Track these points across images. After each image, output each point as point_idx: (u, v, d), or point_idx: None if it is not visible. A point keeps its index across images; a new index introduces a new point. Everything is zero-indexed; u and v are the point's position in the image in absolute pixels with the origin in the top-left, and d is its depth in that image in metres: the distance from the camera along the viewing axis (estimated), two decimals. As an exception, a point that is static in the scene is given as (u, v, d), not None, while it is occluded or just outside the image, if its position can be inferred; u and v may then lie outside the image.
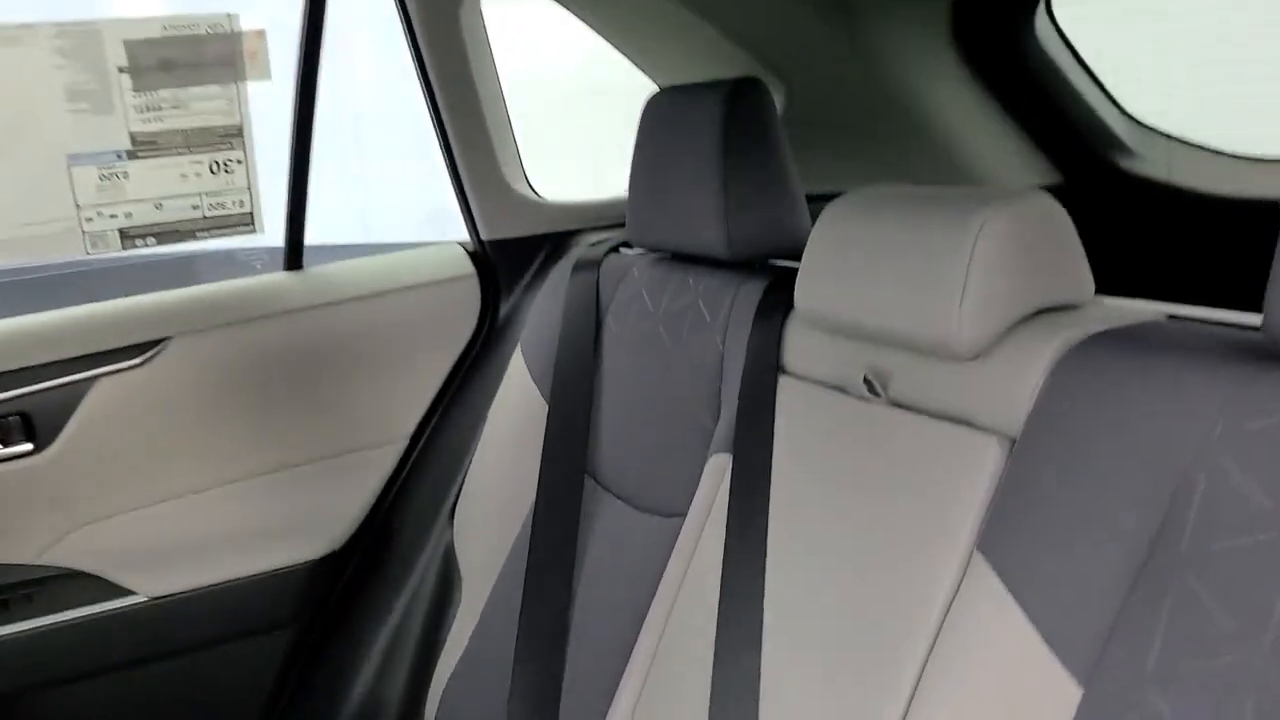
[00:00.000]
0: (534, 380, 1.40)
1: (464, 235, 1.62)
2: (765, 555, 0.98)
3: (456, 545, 1.46)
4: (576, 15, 1.62)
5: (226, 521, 1.45)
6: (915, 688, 0.81)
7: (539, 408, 1.36)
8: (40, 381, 1.33)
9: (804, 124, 1.60)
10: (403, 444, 1.56)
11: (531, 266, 1.60)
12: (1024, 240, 0.85)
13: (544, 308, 1.44)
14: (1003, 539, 0.79)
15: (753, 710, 0.92)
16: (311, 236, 1.54)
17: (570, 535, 1.26)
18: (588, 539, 1.26)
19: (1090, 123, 1.63)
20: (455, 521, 1.47)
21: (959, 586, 0.81)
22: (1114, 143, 1.63)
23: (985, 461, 0.82)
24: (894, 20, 1.53)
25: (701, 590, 1.03)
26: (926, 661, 0.81)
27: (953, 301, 0.85)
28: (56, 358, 1.35)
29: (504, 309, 1.60)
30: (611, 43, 1.67)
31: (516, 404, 1.43)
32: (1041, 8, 1.58)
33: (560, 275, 1.44)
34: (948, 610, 0.81)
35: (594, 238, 1.55)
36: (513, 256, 1.60)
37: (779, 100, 1.63)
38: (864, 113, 1.60)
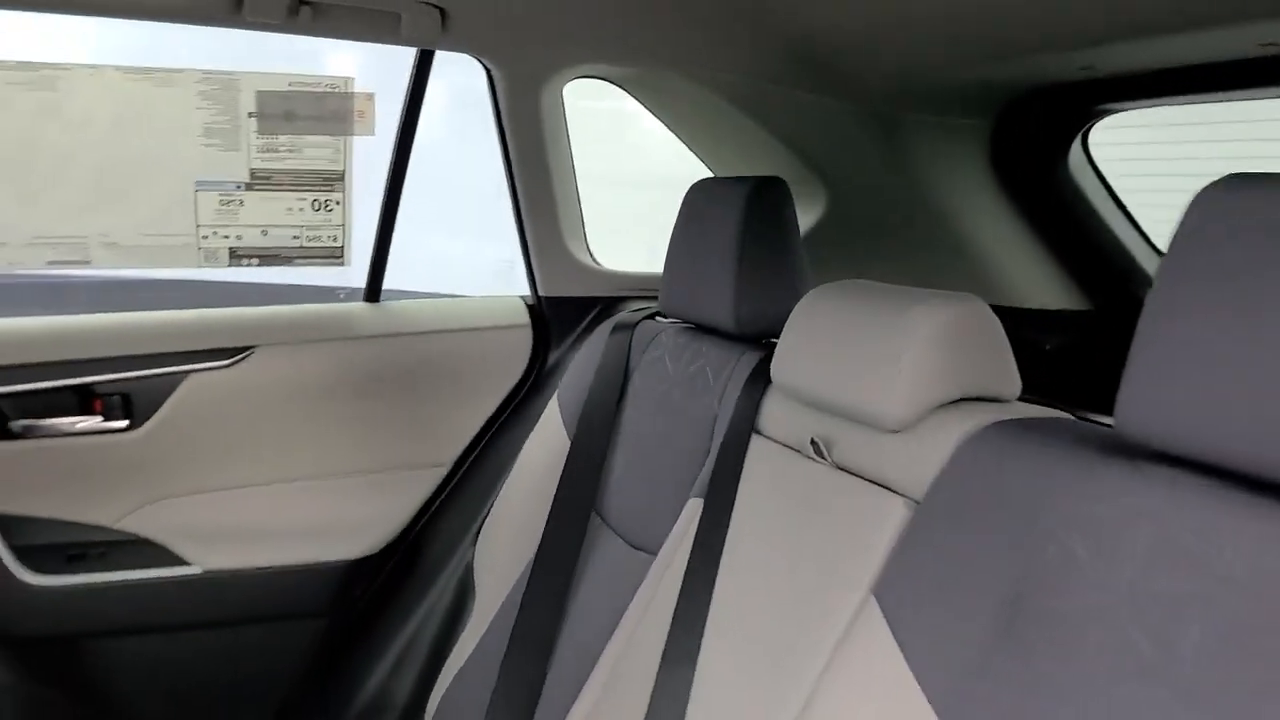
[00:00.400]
0: (564, 424, 1.56)
1: (525, 290, 1.81)
2: (713, 587, 1.10)
3: (475, 565, 1.61)
4: (654, 114, 1.81)
5: (280, 514, 1.64)
6: (803, 709, 0.92)
7: (564, 449, 1.51)
8: (142, 369, 1.55)
9: (843, 224, 1.74)
10: (445, 468, 1.73)
11: (581, 323, 1.77)
12: (952, 337, 0.98)
13: (582, 361, 1.61)
14: (895, 587, 0.91)
15: (680, 716, 1.04)
16: (391, 281, 1.75)
17: (569, 564, 1.40)
18: (584, 568, 1.40)
19: (1116, 253, 1.73)
20: (478, 543, 1.63)
21: (851, 625, 0.93)
22: (1138, 273, 1.73)
23: (893, 519, 0.94)
24: (934, 140, 1.67)
25: (660, 615, 1.16)
26: (816, 688, 0.93)
27: (888, 382, 0.98)
28: (158, 351, 1.56)
29: (552, 358, 1.77)
30: (681, 139, 1.86)
31: (545, 444, 1.59)
32: (1077, 141, 1.71)
33: (601, 334, 1.61)
34: (839, 644, 0.93)
35: (637, 305, 1.71)
36: (566, 313, 1.78)
37: (822, 200, 1.78)
38: (900, 221, 1.74)
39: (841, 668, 0.92)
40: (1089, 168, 1.73)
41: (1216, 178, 0.75)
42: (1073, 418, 0.97)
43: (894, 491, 0.97)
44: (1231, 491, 0.72)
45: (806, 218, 1.80)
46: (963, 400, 1.00)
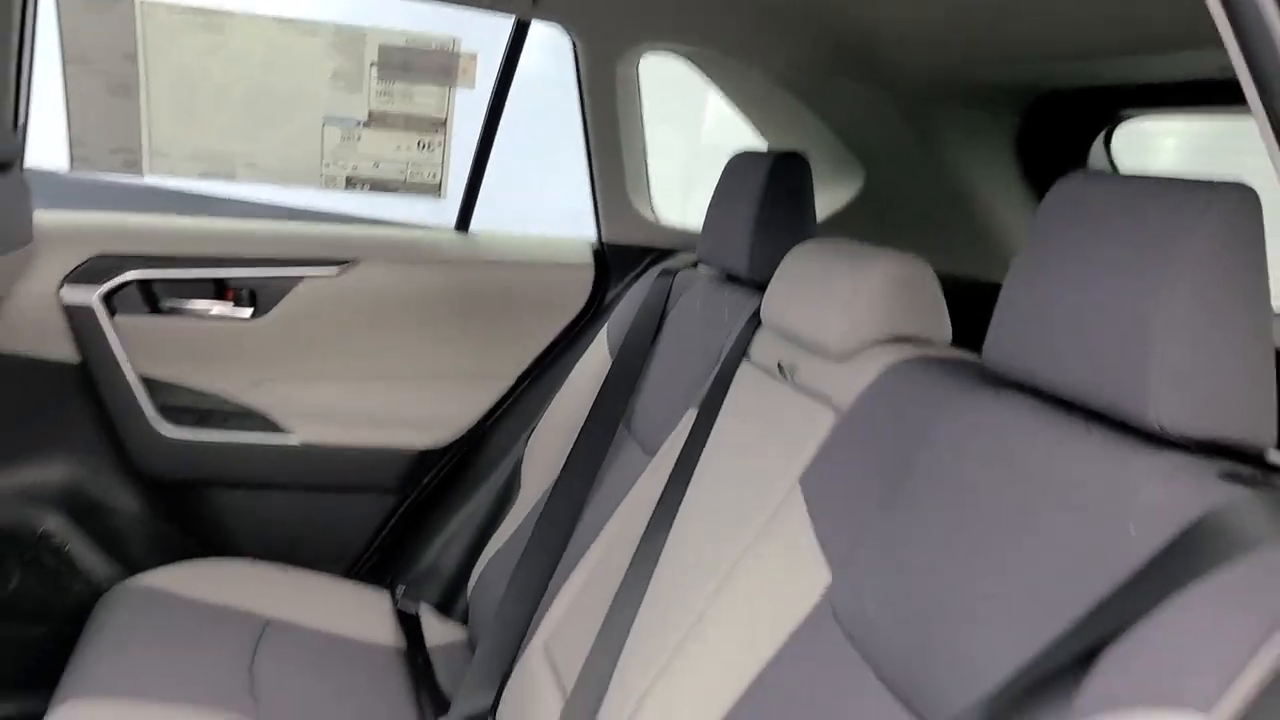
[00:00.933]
0: (609, 351, 1.82)
1: (592, 236, 2.08)
2: (690, 479, 1.36)
3: (523, 464, 1.90)
4: (718, 88, 2.05)
5: (366, 403, 1.94)
6: (732, 569, 1.17)
7: (605, 372, 1.77)
8: (266, 269, 1.87)
9: (877, 199, 1.95)
10: (508, 381, 2.01)
11: (637, 268, 2.03)
12: (893, 288, 1.20)
13: (631, 298, 1.86)
14: (814, 476, 1.15)
15: (644, 586, 1.30)
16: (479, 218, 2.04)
17: (595, 464, 1.66)
18: (607, 468, 1.66)
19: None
20: (528, 446, 1.91)
21: (778, 507, 1.17)
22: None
23: (823, 426, 1.18)
24: (964, 131, 1.87)
25: (648, 501, 1.41)
26: (743, 554, 1.17)
27: (837, 320, 1.21)
28: (281, 256, 1.88)
29: (608, 296, 2.03)
30: (739, 112, 2.09)
31: (591, 367, 1.85)
32: (1099, 142, 1.88)
33: (650, 277, 1.86)
34: (767, 522, 1.17)
35: (686, 256, 1.96)
36: (624, 258, 2.04)
37: (859, 177, 1.99)
38: (928, 201, 1.94)
39: (766, 539, 1.16)
40: (1109, 167, 1.89)
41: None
42: (976, 358, 1.18)
43: (828, 405, 1.20)
44: (1050, 411, 0.93)
45: (845, 192, 2.02)
46: (897, 340, 1.22)
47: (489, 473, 1.97)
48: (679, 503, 1.34)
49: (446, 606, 1.89)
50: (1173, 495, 0.77)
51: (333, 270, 1.90)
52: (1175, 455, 0.80)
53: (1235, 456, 0.80)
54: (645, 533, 1.35)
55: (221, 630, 1.57)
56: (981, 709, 0.79)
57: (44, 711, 1.32)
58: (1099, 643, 0.74)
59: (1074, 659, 0.75)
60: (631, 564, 1.33)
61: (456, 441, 1.99)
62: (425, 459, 1.97)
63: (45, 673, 1.44)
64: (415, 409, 1.97)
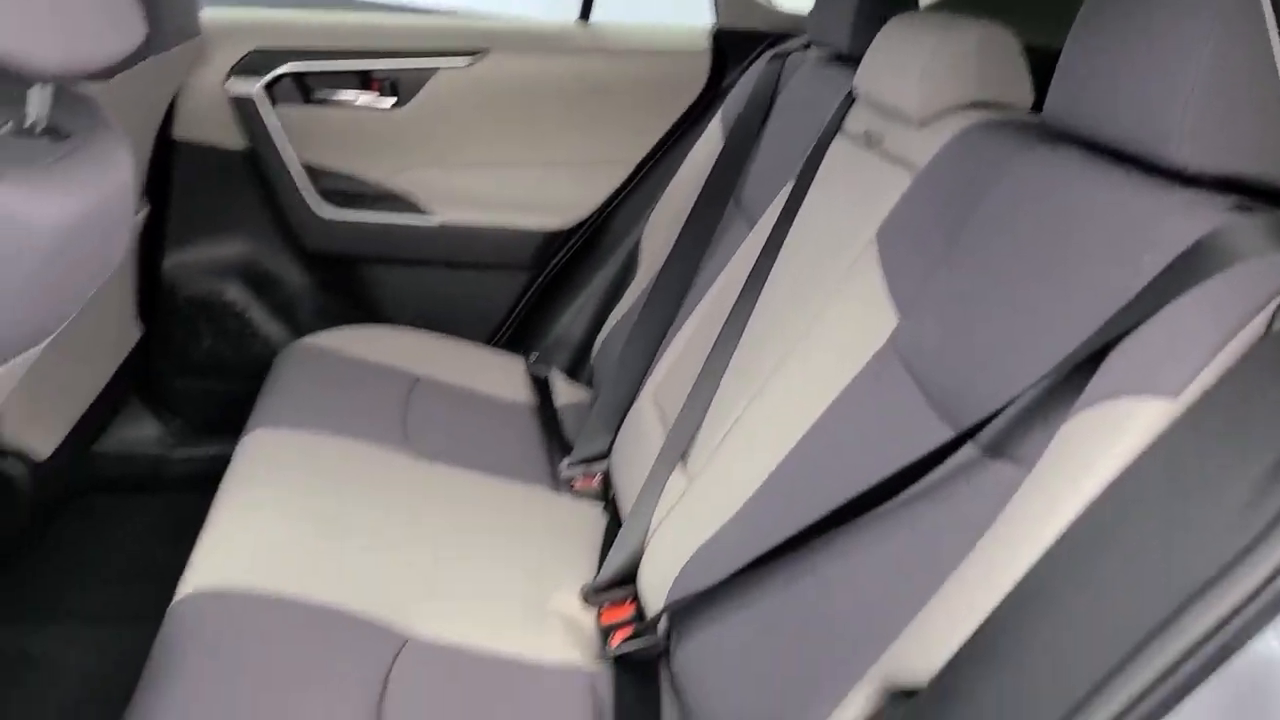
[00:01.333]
0: (722, 133, 1.92)
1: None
2: (784, 241, 1.47)
3: (643, 241, 2.04)
4: None
5: (501, 187, 2.11)
6: (815, 317, 1.30)
7: (717, 152, 1.88)
8: (406, 60, 2.02)
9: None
10: (630, 166, 2.14)
11: (752, 53, 2.09)
12: (972, 53, 1.26)
13: (745, 81, 1.94)
14: (888, 230, 1.25)
15: (738, 336, 1.44)
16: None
17: (705, 238, 1.79)
18: (717, 241, 1.79)
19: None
20: (647, 225, 2.05)
21: (855, 260, 1.28)
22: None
23: (899, 187, 1.27)
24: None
25: (749, 260, 1.54)
26: (826, 302, 1.29)
27: (916, 87, 1.28)
28: (419, 48, 2.02)
29: (725, 82, 2.11)
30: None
31: (706, 150, 1.95)
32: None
33: (763, 60, 1.93)
34: (846, 272, 1.28)
35: (799, 40, 2.01)
36: (740, 44, 2.10)
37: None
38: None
39: (844, 290, 1.28)
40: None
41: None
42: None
43: (905, 166, 1.29)
44: (1099, 160, 1.01)
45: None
46: (976, 106, 1.28)
47: (612, 251, 2.12)
48: (772, 263, 1.47)
49: (573, 372, 2.09)
50: (1185, 225, 0.85)
51: (465, 61, 2.03)
52: (1195, 191, 0.88)
53: (1253, 193, 0.87)
54: (743, 289, 1.49)
55: (377, 384, 1.80)
56: (1009, 418, 0.92)
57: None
58: (1104, 350, 0.85)
59: (1082, 366, 0.86)
60: (729, 318, 1.47)
61: (581, 223, 2.14)
62: (554, 239, 2.13)
63: (234, 419, 1.69)
64: (544, 193, 2.13)
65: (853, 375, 1.19)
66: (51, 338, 0.88)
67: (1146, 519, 0.70)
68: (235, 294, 2.09)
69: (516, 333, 2.17)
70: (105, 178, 0.86)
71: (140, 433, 2.06)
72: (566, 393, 1.96)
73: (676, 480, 1.38)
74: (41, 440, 1.55)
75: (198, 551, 1.27)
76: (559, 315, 2.15)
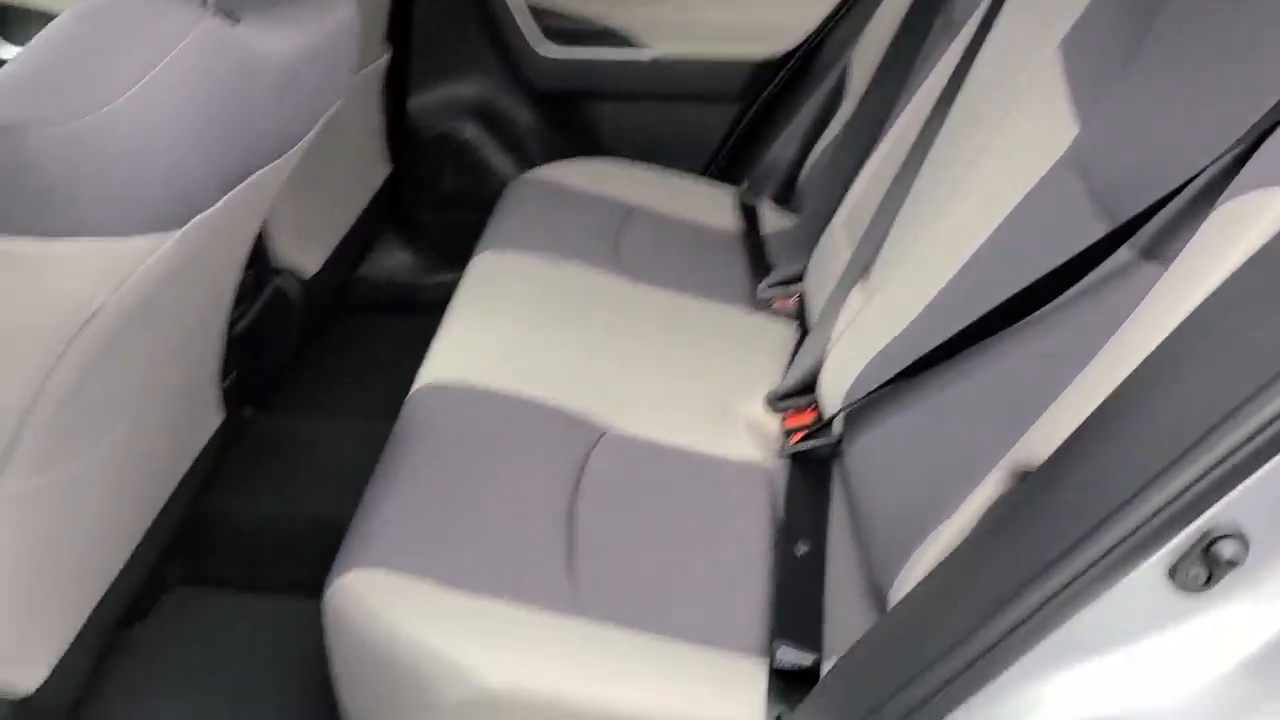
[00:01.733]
0: None
1: None
2: (973, 59, 1.46)
3: (851, 66, 2.05)
4: None
5: (711, 17, 2.16)
6: (993, 130, 1.30)
7: None
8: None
9: None
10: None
11: None
12: None
13: None
14: (1074, 38, 1.23)
15: (925, 153, 1.45)
16: None
17: (909, 59, 1.78)
18: (920, 65, 1.77)
19: None
20: (854, 53, 2.05)
21: (1040, 71, 1.26)
22: None
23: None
24: None
25: (935, 89, 1.54)
26: (1005, 115, 1.29)
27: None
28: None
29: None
30: None
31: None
32: None
33: None
34: (1029, 86, 1.28)
35: None
36: None
37: None
38: None
39: (1023, 100, 1.28)
40: None
41: None
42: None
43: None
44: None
45: None
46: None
47: (822, 78, 2.14)
48: (961, 80, 1.46)
49: (783, 199, 2.15)
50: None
51: None
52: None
53: None
54: (934, 108, 1.50)
55: (594, 212, 1.94)
56: (1165, 219, 0.93)
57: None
58: (1259, 142, 0.84)
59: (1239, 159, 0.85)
60: (918, 137, 1.50)
61: (791, 51, 2.16)
62: (765, 68, 2.17)
63: (468, 247, 1.87)
64: (754, 20, 2.16)
65: (1027, 189, 1.20)
66: (298, 158, 1.05)
67: (1258, 305, 0.72)
68: (471, 131, 2.26)
69: (729, 163, 2.24)
70: (328, 17, 1.00)
71: (395, 261, 2.31)
72: (774, 220, 2.03)
73: (856, 296, 1.45)
74: (309, 261, 1.79)
75: (431, 354, 1.46)
76: (769, 144, 2.20)
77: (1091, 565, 0.70)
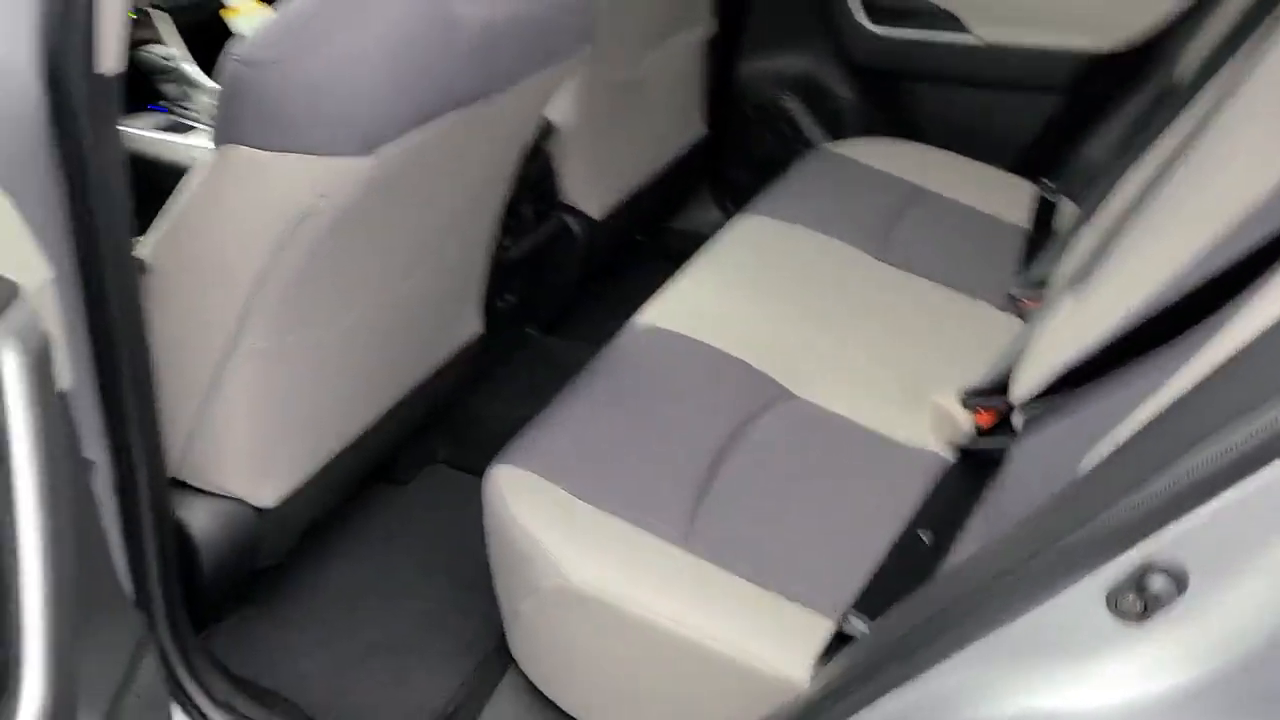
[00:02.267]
0: None
1: None
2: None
3: (1178, 70, 1.89)
4: None
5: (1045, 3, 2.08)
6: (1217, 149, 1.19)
7: None
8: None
9: None
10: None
11: None
12: None
13: None
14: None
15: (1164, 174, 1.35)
16: None
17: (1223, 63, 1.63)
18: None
19: None
20: (1187, 50, 1.88)
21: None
22: None
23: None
24: None
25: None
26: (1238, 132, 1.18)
27: None
28: None
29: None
30: None
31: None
32: None
33: None
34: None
35: None
36: None
37: None
38: None
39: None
40: None
41: None
42: None
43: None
44: None
45: None
46: None
47: (1147, 81, 1.99)
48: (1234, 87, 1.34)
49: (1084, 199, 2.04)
50: None
51: None
52: None
53: None
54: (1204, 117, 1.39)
55: (877, 191, 1.96)
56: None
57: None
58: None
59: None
60: (1176, 147, 1.39)
61: (1122, 49, 2.02)
62: (1091, 64, 2.05)
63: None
64: (1086, 11, 2.04)
65: (1241, 211, 1.10)
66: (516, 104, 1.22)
67: None
68: (791, 103, 2.35)
69: (1039, 157, 2.15)
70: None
71: (709, 217, 2.47)
72: (1069, 219, 1.94)
73: (1067, 302, 1.39)
74: (596, 204, 1.98)
75: (656, 296, 1.60)
76: (1082, 142, 2.08)
77: (1029, 570, 0.71)
